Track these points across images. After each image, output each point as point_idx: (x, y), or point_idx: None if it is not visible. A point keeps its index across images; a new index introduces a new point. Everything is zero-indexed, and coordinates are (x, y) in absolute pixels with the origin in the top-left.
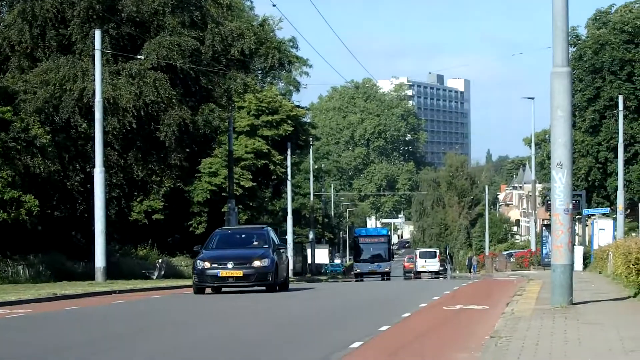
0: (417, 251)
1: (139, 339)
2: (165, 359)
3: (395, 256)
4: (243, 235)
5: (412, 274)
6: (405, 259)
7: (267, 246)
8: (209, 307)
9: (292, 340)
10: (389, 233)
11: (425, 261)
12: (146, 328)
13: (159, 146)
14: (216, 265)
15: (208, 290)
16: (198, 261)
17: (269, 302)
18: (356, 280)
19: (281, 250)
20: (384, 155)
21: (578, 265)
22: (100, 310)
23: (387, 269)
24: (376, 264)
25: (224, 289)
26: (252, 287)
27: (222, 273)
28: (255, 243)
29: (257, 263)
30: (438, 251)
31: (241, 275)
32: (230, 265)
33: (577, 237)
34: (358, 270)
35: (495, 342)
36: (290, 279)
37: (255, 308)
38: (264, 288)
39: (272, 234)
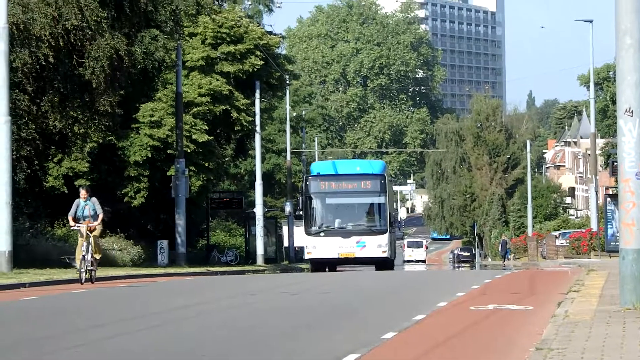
0: (405, 241)
1: (50, 346)
2: None
3: (400, 229)
4: None
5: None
6: (406, 243)
7: None
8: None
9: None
10: (385, 172)
11: (413, 250)
12: (61, 334)
13: (84, 87)
14: None
15: None
16: None
17: None
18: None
19: None
20: (387, 99)
21: None
22: (3, 309)
23: (382, 251)
24: (355, 239)
25: None
26: None
27: None
28: None
29: None
30: (425, 242)
31: None
32: None
33: None
34: (314, 254)
35: (543, 356)
36: (261, 267)
37: None
38: None
39: None
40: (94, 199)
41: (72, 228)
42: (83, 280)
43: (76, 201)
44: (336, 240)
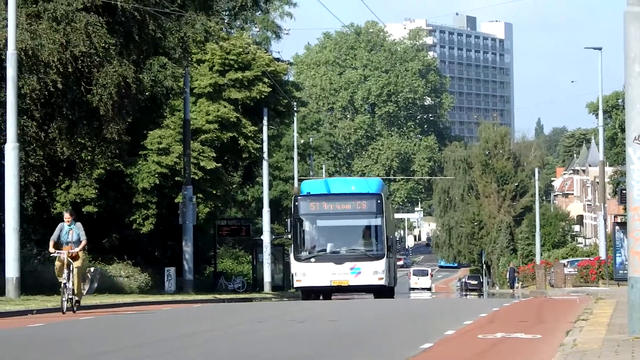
0: (412, 269)
1: None
2: None
3: (408, 256)
4: None
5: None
6: (412, 271)
7: None
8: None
9: None
10: (383, 191)
11: (418, 279)
12: None
13: (92, 114)
14: None
15: None
16: None
17: None
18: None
19: None
20: (394, 126)
21: None
22: (10, 336)
23: (378, 278)
24: (349, 265)
25: None
26: None
27: None
28: None
29: None
30: (430, 270)
31: None
32: None
33: None
34: (303, 282)
35: None
36: (268, 294)
37: None
38: None
39: None
40: (78, 223)
41: (51, 255)
42: (64, 310)
43: (60, 225)
44: (328, 266)
